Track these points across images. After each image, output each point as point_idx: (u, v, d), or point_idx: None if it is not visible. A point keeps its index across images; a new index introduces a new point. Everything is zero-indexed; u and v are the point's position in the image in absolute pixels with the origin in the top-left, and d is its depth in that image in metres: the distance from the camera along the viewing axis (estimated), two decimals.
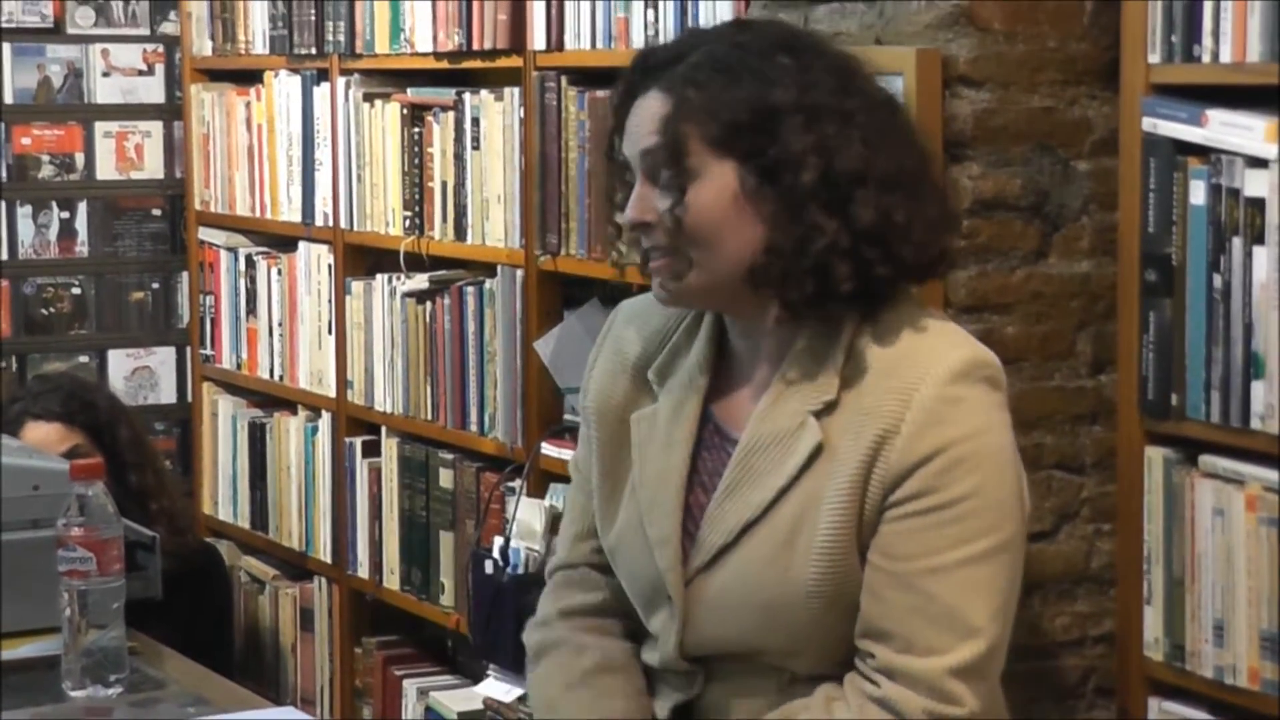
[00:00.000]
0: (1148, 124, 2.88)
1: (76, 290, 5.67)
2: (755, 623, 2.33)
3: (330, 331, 4.98)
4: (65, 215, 5.64)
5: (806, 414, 2.31)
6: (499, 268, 4.29)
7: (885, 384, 2.27)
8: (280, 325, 5.23)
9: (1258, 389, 2.75)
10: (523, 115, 4.15)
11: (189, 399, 5.74)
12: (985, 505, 2.26)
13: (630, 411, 2.45)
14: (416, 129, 4.57)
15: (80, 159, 5.65)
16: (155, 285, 5.74)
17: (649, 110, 2.32)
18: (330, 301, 4.97)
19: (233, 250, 5.47)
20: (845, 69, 2.36)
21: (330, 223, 4.94)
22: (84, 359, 5.67)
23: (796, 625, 2.31)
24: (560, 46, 4.05)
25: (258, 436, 5.37)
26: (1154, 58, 2.89)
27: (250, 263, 5.38)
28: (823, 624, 2.30)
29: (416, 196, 4.57)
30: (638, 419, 2.44)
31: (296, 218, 5.12)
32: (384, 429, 4.78)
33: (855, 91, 2.34)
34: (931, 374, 2.26)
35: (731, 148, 2.29)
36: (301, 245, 5.12)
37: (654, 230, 2.33)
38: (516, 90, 4.19)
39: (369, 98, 4.75)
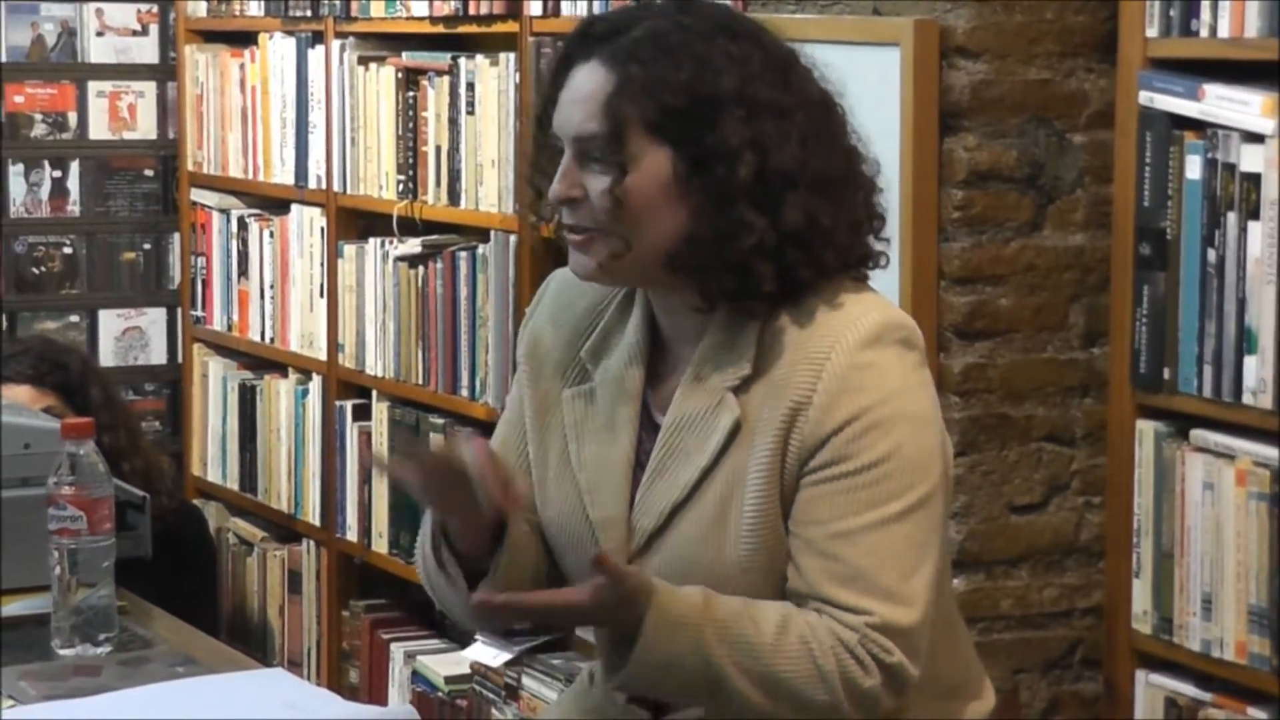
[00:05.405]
0: (1144, 97, 2.88)
1: (68, 250, 5.66)
2: None
3: (322, 294, 4.97)
4: (57, 174, 5.63)
5: (724, 391, 2.30)
6: (492, 233, 4.28)
7: (798, 355, 2.26)
8: (272, 287, 5.23)
9: (1250, 364, 2.75)
10: (518, 80, 4.14)
11: (179, 360, 5.73)
12: (900, 467, 2.25)
13: (560, 387, 2.44)
14: (411, 93, 4.56)
15: (73, 118, 5.63)
16: (147, 246, 5.73)
17: (588, 82, 2.29)
18: (322, 264, 4.96)
19: (225, 212, 5.45)
20: (785, 63, 2.33)
21: (323, 185, 4.93)
22: (74, 319, 5.66)
23: None
24: (556, 12, 4.04)
25: (248, 399, 5.37)
26: (1152, 31, 2.89)
27: (242, 224, 5.37)
28: (763, 599, 2.30)
29: (410, 160, 4.56)
30: (571, 397, 2.42)
31: (289, 180, 5.11)
32: (375, 393, 4.77)
33: (794, 88, 2.32)
34: (842, 342, 2.25)
35: (668, 133, 2.27)
36: (294, 208, 5.11)
37: (579, 206, 2.32)
38: (512, 55, 4.18)
39: (364, 61, 4.73)
